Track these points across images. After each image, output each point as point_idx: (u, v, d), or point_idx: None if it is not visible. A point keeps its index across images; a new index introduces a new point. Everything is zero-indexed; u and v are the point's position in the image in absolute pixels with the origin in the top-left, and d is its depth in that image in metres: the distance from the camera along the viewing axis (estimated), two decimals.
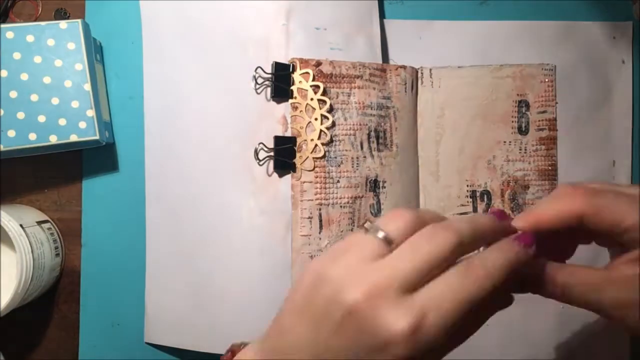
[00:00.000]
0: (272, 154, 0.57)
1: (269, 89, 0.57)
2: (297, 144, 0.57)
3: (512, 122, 0.62)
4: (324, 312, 0.32)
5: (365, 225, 0.34)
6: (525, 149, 0.61)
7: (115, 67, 0.62)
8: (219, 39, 0.59)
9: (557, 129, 0.62)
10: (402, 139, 0.60)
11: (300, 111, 0.57)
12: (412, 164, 0.61)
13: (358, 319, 0.31)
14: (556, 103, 0.62)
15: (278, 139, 0.57)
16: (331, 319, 0.32)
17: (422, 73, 0.61)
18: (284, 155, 0.57)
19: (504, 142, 0.61)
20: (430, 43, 0.63)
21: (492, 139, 0.61)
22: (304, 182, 0.57)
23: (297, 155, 0.57)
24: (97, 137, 0.56)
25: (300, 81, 0.57)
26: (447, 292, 0.32)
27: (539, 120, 0.62)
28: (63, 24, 0.56)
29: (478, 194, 0.62)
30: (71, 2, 0.61)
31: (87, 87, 0.55)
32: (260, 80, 0.57)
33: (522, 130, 0.62)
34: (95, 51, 0.58)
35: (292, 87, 0.57)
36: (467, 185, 0.62)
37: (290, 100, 0.57)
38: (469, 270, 0.32)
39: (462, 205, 0.61)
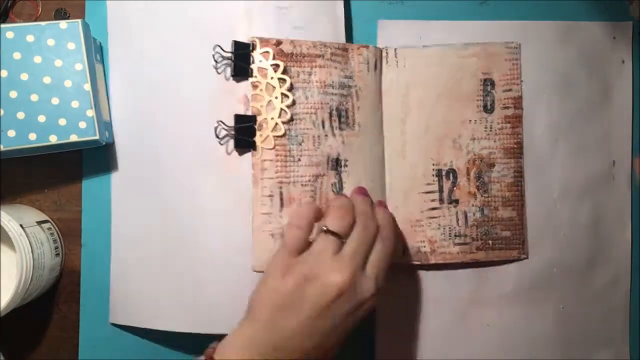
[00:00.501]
0: (232, 132, 0.57)
1: (230, 69, 0.58)
2: (258, 122, 0.57)
3: (478, 100, 0.61)
4: (316, 300, 0.46)
5: (323, 230, 0.50)
6: (491, 128, 0.61)
7: None
8: (182, 20, 0.59)
9: (522, 107, 0.61)
10: (364, 118, 0.60)
11: (261, 90, 0.57)
12: (376, 143, 0.61)
13: (346, 295, 0.47)
14: (521, 81, 0.61)
15: (238, 118, 0.57)
16: (322, 303, 0.46)
17: (387, 52, 0.61)
18: (244, 133, 0.57)
19: (470, 120, 0.61)
20: (430, 43, 0.63)
21: (457, 118, 0.61)
22: (265, 160, 0.57)
23: (258, 133, 0.57)
24: (97, 137, 0.56)
25: (261, 60, 0.58)
26: (381, 256, 0.51)
27: (505, 99, 0.61)
28: (63, 24, 0.56)
29: (444, 172, 0.61)
30: (71, 2, 0.62)
31: (87, 87, 0.56)
32: (219, 59, 0.58)
33: (488, 109, 0.61)
34: (95, 51, 0.59)
35: (252, 66, 0.58)
36: (433, 165, 0.61)
37: (251, 79, 0.58)
38: (385, 241, 0.52)
39: (428, 184, 0.61)
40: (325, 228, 0.50)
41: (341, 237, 0.50)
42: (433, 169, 0.61)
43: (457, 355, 0.62)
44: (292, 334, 0.46)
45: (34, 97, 0.55)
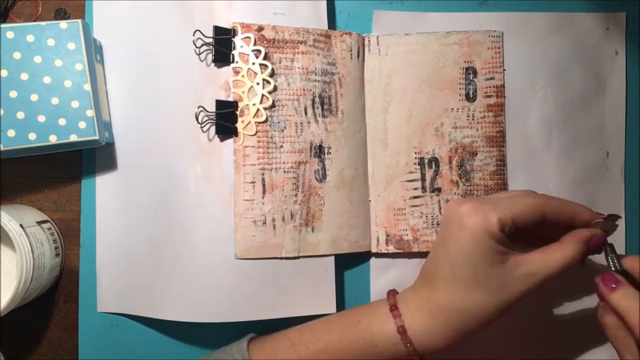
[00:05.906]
0: (213, 118, 0.57)
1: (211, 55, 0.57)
2: (239, 108, 0.57)
3: (460, 89, 0.61)
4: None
5: None
6: (473, 116, 0.61)
7: None
8: (165, 8, 0.59)
9: (505, 95, 0.61)
10: (347, 105, 0.60)
11: (242, 76, 0.57)
12: (359, 130, 0.60)
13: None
14: (504, 70, 0.61)
15: (220, 103, 0.57)
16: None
17: (369, 40, 0.61)
18: (226, 119, 0.57)
19: (452, 109, 0.61)
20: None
21: (439, 106, 0.61)
22: (247, 146, 0.57)
23: (240, 119, 0.57)
24: (96, 137, 0.55)
25: (242, 45, 0.57)
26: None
27: (487, 87, 0.61)
28: (63, 24, 0.55)
29: (426, 161, 0.61)
30: (71, 2, 0.61)
31: (87, 87, 0.55)
32: (200, 44, 0.57)
33: (470, 97, 0.61)
34: (95, 51, 0.58)
35: (233, 52, 0.57)
36: (415, 153, 0.61)
37: (232, 65, 0.57)
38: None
39: (411, 172, 0.61)
40: None
41: None
42: (415, 158, 0.61)
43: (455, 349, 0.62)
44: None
45: (34, 97, 0.54)
